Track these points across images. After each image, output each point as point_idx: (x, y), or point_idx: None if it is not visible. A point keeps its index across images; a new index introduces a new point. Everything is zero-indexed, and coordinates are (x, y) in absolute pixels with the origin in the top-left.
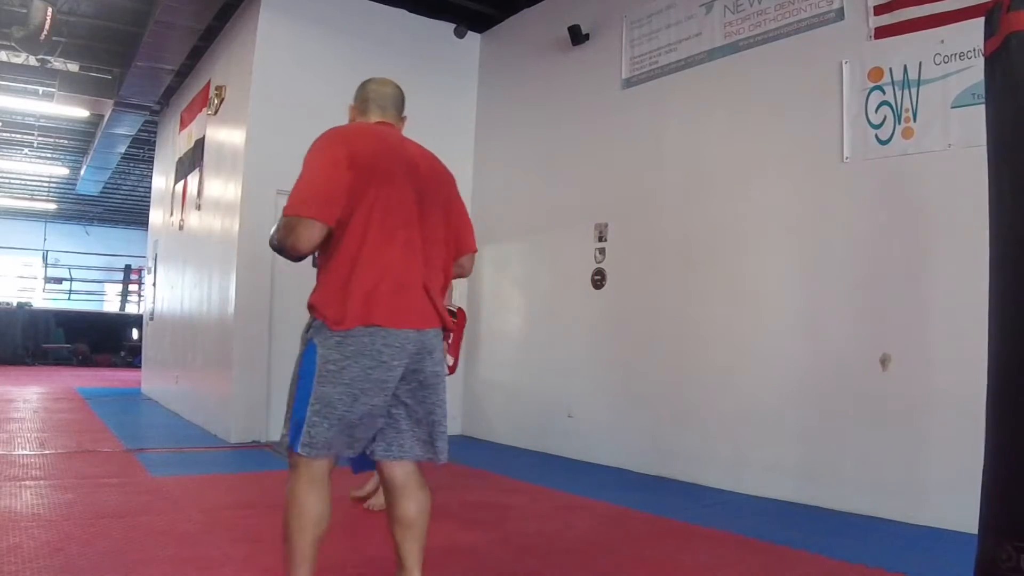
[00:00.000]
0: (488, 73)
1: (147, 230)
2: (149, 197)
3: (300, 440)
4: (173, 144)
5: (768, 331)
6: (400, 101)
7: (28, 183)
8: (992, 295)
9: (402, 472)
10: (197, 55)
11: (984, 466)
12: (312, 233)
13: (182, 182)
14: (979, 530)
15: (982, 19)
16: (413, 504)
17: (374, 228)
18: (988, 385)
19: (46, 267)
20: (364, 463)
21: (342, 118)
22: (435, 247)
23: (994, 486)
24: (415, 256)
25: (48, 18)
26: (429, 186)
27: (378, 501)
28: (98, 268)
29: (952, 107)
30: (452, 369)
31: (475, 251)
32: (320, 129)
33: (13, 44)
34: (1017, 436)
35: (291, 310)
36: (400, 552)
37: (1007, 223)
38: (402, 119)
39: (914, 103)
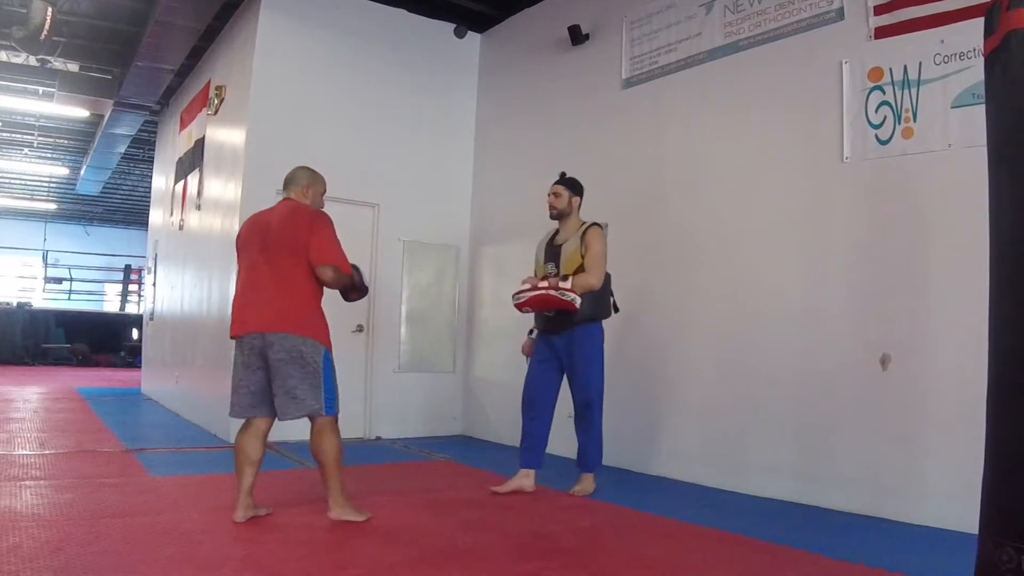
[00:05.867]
0: (488, 73)
1: (147, 230)
2: (149, 197)
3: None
4: (173, 144)
5: (768, 331)
6: (300, 178)
7: (28, 183)
8: (991, 294)
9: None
10: (197, 55)
11: (984, 466)
12: None
13: (182, 182)
14: (979, 531)
15: (982, 19)
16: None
17: (238, 277)
18: (988, 384)
19: (46, 267)
20: (530, 461)
21: (341, 117)
22: (279, 275)
23: (994, 486)
24: (256, 287)
25: (48, 18)
26: (277, 236)
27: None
28: (98, 268)
29: (952, 107)
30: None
31: (320, 263)
32: (319, 128)
33: (13, 44)
34: (1017, 435)
35: None
36: None
37: (1006, 221)
38: (304, 188)
39: (914, 103)
